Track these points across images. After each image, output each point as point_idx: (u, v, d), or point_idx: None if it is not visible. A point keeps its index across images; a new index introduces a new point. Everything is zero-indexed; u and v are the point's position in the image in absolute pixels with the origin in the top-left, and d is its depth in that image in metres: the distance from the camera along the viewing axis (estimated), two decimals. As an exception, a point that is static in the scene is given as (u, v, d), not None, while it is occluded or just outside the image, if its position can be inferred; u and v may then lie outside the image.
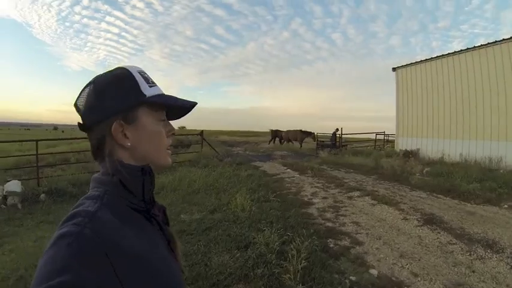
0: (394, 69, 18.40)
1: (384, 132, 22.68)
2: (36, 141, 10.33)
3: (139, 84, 0.80)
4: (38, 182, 8.74)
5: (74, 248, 0.58)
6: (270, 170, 11.91)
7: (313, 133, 23.88)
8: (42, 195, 7.87)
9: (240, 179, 9.46)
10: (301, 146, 23.64)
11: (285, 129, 26.67)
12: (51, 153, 13.38)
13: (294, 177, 10.50)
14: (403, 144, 17.18)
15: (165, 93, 0.86)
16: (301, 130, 24.30)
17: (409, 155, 15.56)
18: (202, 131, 16.35)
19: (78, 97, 0.81)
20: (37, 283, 0.54)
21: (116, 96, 0.78)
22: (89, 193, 0.76)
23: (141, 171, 0.78)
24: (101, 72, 0.84)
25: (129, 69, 0.81)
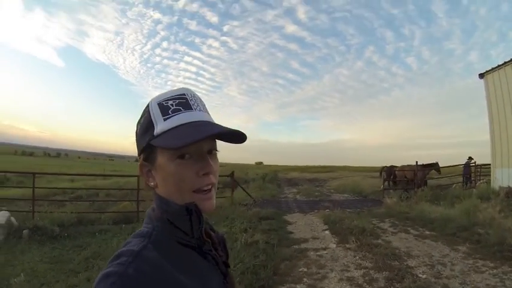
0: (481, 75, 14.08)
1: (475, 162, 17.26)
2: (33, 173, 10.03)
3: (153, 119, 0.75)
4: (32, 216, 8.59)
5: (117, 287, 0.58)
6: (300, 232, 8.26)
7: (437, 163, 16.73)
8: (25, 231, 7.48)
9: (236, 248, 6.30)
10: (419, 187, 14.69)
11: (399, 165, 18.82)
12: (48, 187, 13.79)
13: (326, 248, 6.71)
14: (503, 177, 12.55)
15: (194, 120, 0.75)
16: (422, 164, 16.38)
17: (516, 195, 10.86)
18: (233, 172, 13.39)
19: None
20: None
21: (139, 136, 0.79)
22: (139, 229, 0.76)
23: (186, 211, 0.73)
24: None
25: (150, 102, 0.78)
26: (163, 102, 0.76)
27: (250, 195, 13.37)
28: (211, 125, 0.76)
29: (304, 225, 8.91)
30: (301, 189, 20.06)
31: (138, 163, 0.79)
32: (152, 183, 0.77)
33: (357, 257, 6.04)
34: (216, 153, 0.81)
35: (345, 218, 8.87)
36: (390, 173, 16.64)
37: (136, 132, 0.80)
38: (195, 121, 0.75)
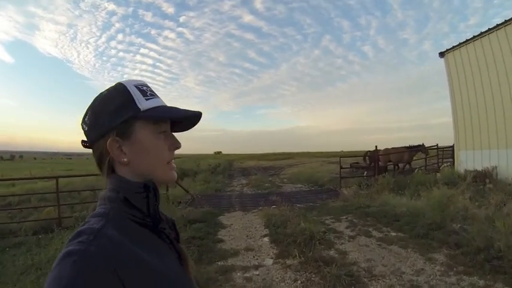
0: (442, 54, 12.88)
1: (437, 145, 16.31)
2: None
3: (135, 97, 0.79)
4: None
5: (79, 266, 0.58)
6: (232, 239, 6.44)
7: (423, 145, 15.48)
8: None
9: None
10: (407, 169, 14.88)
11: (381, 149, 16.94)
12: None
13: (259, 267, 4.90)
14: (467, 160, 11.54)
15: (167, 105, 0.84)
16: (408, 146, 15.61)
17: (483, 178, 9.63)
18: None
19: (83, 117, 0.82)
20: None
21: (110, 112, 0.78)
22: (95, 211, 0.76)
23: (143, 188, 0.77)
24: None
25: (125, 84, 0.81)
26: (139, 86, 0.81)
27: (187, 191, 11.36)
28: (180, 108, 0.84)
29: (240, 229, 7.07)
30: (252, 179, 18.23)
31: (107, 140, 0.76)
32: (125, 159, 0.77)
33: (299, 282, 4.23)
34: None
35: (292, 218, 7.06)
36: (375, 158, 15.08)
37: (99, 109, 0.79)
38: (167, 105, 0.84)
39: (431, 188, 8.48)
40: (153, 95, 0.83)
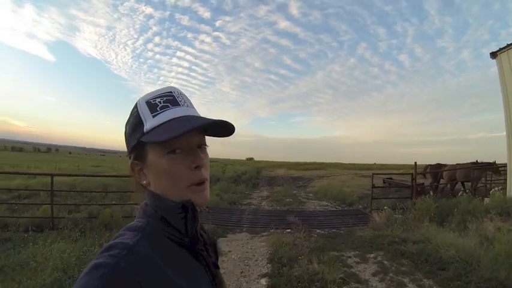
0: (493, 55, 10.77)
1: (476, 161, 13.40)
2: None
3: (142, 117, 0.76)
4: None
5: (107, 279, 0.58)
6: (223, 273, 4.43)
7: (494, 163, 13.03)
8: None
9: None
10: (474, 192, 11.77)
11: (447, 164, 14.76)
12: None
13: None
14: None
15: (182, 115, 0.75)
16: (476, 162, 13.21)
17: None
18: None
19: None
20: None
21: (128, 136, 0.79)
22: (132, 223, 0.75)
23: (181, 208, 0.74)
24: None
25: (138, 101, 0.79)
26: (151, 100, 0.77)
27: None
28: (197, 118, 0.76)
29: (237, 261, 5.66)
30: (275, 191, 16.68)
31: (129, 163, 0.79)
32: (145, 182, 0.78)
33: None
34: (205, 148, 0.81)
35: (304, 251, 5.57)
36: (437, 174, 13.08)
37: (125, 132, 0.80)
38: (183, 116, 0.75)
39: (482, 219, 6.89)
40: (166, 106, 0.76)
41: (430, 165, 14.67)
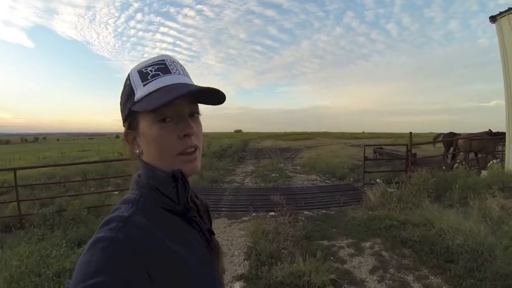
0: (493, 18, 9.96)
1: (490, 130, 12.29)
2: None
3: (134, 86, 0.76)
4: None
5: (108, 252, 0.59)
6: None
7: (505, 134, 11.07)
8: None
9: None
10: (491, 161, 10.58)
11: (461, 133, 13.50)
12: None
13: None
14: None
15: (172, 83, 0.74)
16: (489, 131, 12.20)
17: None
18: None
19: None
20: (72, 286, 0.55)
21: (122, 106, 0.79)
22: (126, 196, 0.77)
23: (171, 178, 0.73)
24: None
25: (130, 71, 0.79)
26: (143, 69, 0.76)
27: None
28: (186, 85, 0.74)
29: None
30: (261, 166, 15.82)
31: (123, 132, 0.79)
32: (138, 151, 0.78)
33: None
34: (198, 116, 0.81)
35: (288, 241, 4.76)
36: (450, 143, 12.09)
37: (120, 103, 0.80)
38: (172, 84, 0.74)
39: (484, 196, 6.26)
40: (157, 74, 0.75)
41: (443, 133, 13.80)
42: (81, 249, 4.80)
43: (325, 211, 7.16)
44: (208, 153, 19.52)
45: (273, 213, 6.71)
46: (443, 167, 11.08)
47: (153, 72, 0.75)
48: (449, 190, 7.45)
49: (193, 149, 0.76)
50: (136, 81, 0.75)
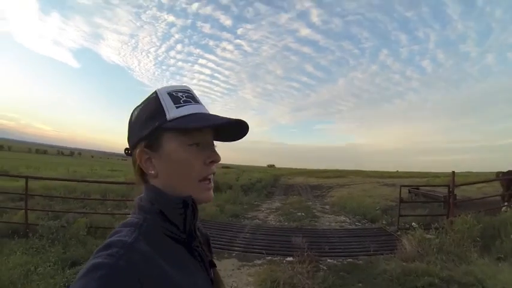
0: None
1: None
2: None
3: (164, 106, 0.75)
4: None
5: (106, 281, 0.55)
6: None
7: None
8: None
9: None
10: None
11: None
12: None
13: None
14: None
15: (204, 112, 0.79)
16: None
17: None
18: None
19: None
20: None
21: (141, 123, 0.77)
22: (128, 219, 0.74)
23: (181, 204, 0.73)
24: None
25: (158, 91, 0.79)
26: (173, 93, 0.78)
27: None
28: (219, 116, 0.77)
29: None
30: (288, 202, 14.92)
31: (137, 150, 0.77)
32: (152, 172, 0.76)
33: None
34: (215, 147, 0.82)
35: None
36: (510, 182, 10.90)
37: (134, 119, 0.79)
38: (203, 113, 0.77)
39: None
40: (189, 101, 0.78)
41: (502, 172, 12.49)
42: (70, 271, 4.75)
43: (351, 260, 6.14)
44: (236, 186, 18.69)
45: (291, 258, 5.85)
46: (505, 207, 9.62)
47: (184, 98, 0.77)
48: (498, 238, 6.36)
49: (212, 177, 0.77)
50: (168, 102, 0.75)
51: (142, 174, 0.78)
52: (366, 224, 10.24)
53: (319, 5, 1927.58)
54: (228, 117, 0.75)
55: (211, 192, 0.78)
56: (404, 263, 5.50)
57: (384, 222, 10.13)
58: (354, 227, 9.82)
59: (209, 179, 0.76)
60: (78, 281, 0.55)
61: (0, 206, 9.14)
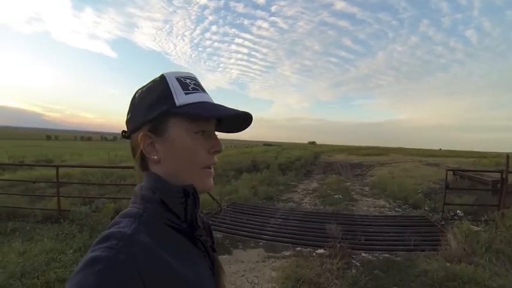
0: None
1: None
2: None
3: (172, 90, 0.73)
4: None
5: (104, 276, 0.53)
6: None
7: None
8: None
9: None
10: None
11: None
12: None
13: None
14: None
15: (211, 102, 0.77)
16: None
17: None
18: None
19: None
20: None
21: (146, 106, 0.74)
22: (127, 209, 0.72)
23: (182, 192, 0.71)
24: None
25: (166, 75, 0.76)
26: (182, 79, 0.76)
27: (214, 199, 7.93)
28: (226, 107, 0.76)
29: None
30: (326, 183, 14.42)
31: (139, 134, 0.73)
32: (155, 157, 0.73)
33: None
34: None
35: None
36: None
37: (137, 101, 0.76)
38: (211, 102, 0.76)
39: None
40: (197, 89, 0.76)
41: None
42: None
43: (388, 255, 5.61)
44: (274, 165, 18.48)
45: (321, 250, 5.41)
46: None
47: (193, 86, 0.75)
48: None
49: (214, 165, 0.76)
50: (176, 87, 0.73)
51: (143, 160, 0.76)
52: (407, 210, 9.55)
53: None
54: (235, 108, 0.75)
55: (210, 180, 0.76)
56: (448, 264, 4.90)
57: (426, 208, 9.46)
58: (393, 213, 9.16)
59: (210, 168, 0.76)
60: (76, 275, 0.53)
61: (39, 193, 9.69)
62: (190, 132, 0.72)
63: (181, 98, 0.71)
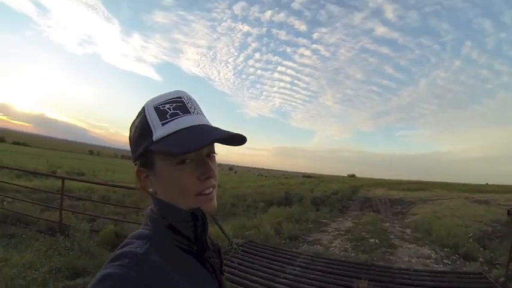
0: None
1: None
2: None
3: (151, 124, 0.72)
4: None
5: None
6: None
7: None
8: None
9: None
10: None
11: None
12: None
13: None
14: None
15: (194, 124, 0.73)
16: None
17: None
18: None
19: None
20: None
21: (134, 143, 0.77)
22: (138, 231, 0.74)
23: (191, 216, 0.72)
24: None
25: (145, 106, 0.76)
26: (160, 106, 0.74)
27: (226, 236, 6.80)
28: (211, 129, 0.74)
29: None
30: (362, 222, 13.10)
31: (135, 169, 0.78)
32: (151, 190, 0.76)
33: None
34: (214, 156, 0.79)
35: None
36: None
37: (130, 135, 0.78)
38: (195, 125, 0.73)
39: None
40: (176, 113, 0.72)
41: None
42: (70, 282, 4.52)
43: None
44: (308, 199, 17.43)
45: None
46: None
47: (172, 111, 0.72)
48: None
49: (211, 190, 0.74)
50: (154, 119, 0.72)
51: (141, 190, 0.77)
52: (457, 262, 8.03)
53: (392, 0, 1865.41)
54: (221, 130, 0.73)
55: (213, 202, 0.75)
56: None
57: (480, 258, 7.95)
58: (441, 267, 7.65)
59: (207, 193, 0.73)
60: None
61: (45, 204, 9.17)
62: (173, 164, 0.70)
63: (158, 131, 0.70)
